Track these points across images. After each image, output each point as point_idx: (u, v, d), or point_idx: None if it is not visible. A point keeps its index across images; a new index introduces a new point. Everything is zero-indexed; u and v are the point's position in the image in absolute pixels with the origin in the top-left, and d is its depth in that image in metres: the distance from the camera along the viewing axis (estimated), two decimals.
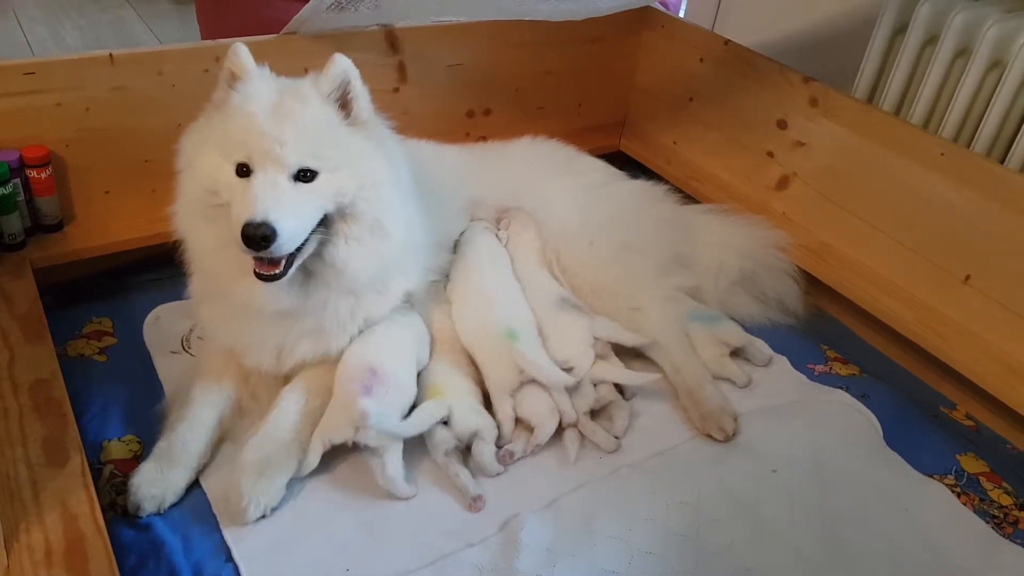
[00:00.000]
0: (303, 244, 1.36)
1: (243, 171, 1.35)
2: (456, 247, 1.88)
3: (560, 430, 1.57)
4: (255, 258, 1.33)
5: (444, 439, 1.47)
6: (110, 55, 1.76)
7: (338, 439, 1.42)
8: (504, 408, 1.55)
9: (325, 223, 1.40)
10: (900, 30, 2.08)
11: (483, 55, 2.25)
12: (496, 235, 1.95)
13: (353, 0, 1.76)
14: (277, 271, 1.34)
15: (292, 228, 1.30)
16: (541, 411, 1.55)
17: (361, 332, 1.55)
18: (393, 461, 1.42)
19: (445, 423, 1.48)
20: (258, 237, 1.26)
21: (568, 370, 1.61)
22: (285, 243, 1.30)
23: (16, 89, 1.70)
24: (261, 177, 1.32)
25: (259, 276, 1.34)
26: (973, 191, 1.77)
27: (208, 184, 1.38)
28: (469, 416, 1.50)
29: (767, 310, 2.00)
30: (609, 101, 2.59)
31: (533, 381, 1.57)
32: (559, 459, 1.56)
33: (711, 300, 1.96)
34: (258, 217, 1.27)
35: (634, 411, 1.67)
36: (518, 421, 1.57)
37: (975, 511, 1.55)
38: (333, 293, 1.47)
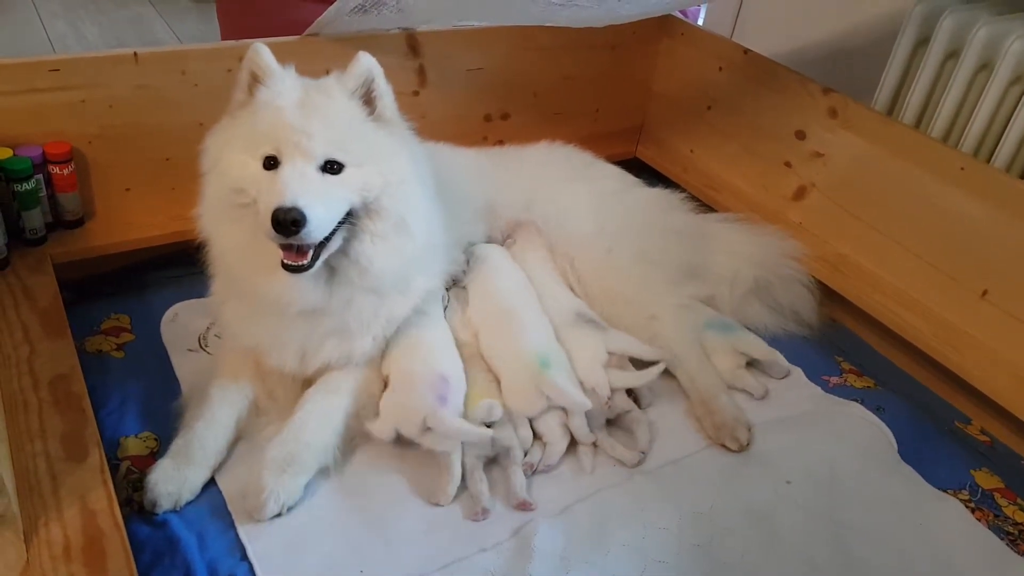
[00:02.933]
0: (330, 237, 1.37)
1: (270, 164, 1.36)
2: (469, 262, 1.87)
3: (574, 443, 1.58)
4: (283, 246, 1.34)
5: (485, 444, 1.48)
6: (134, 53, 1.77)
7: (405, 432, 1.47)
8: (524, 432, 1.55)
9: (350, 219, 1.41)
10: (922, 42, 2.08)
11: (502, 60, 2.25)
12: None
13: (376, 3, 1.77)
14: (304, 261, 1.34)
15: (321, 215, 1.31)
16: (554, 429, 1.55)
17: (388, 335, 1.56)
18: (457, 465, 1.46)
19: (488, 426, 1.50)
20: (288, 221, 1.27)
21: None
22: (315, 229, 1.30)
23: (41, 85, 1.71)
24: (289, 167, 1.34)
25: (286, 267, 1.34)
26: (992, 205, 1.76)
27: (234, 183, 1.39)
28: (508, 431, 1.52)
29: (781, 320, 2.00)
30: (627, 108, 2.59)
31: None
32: (572, 467, 1.56)
33: (725, 309, 1.95)
34: (288, 202, 1.28)
35: (648, 419, 1.66)
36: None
37: (989, 527, 1.54)
38: (357, 291, 1.48)
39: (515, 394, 1.58)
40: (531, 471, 1.51)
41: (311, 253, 1.35)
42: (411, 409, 1.46)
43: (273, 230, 1.28)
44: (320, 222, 1.31)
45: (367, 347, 1.54)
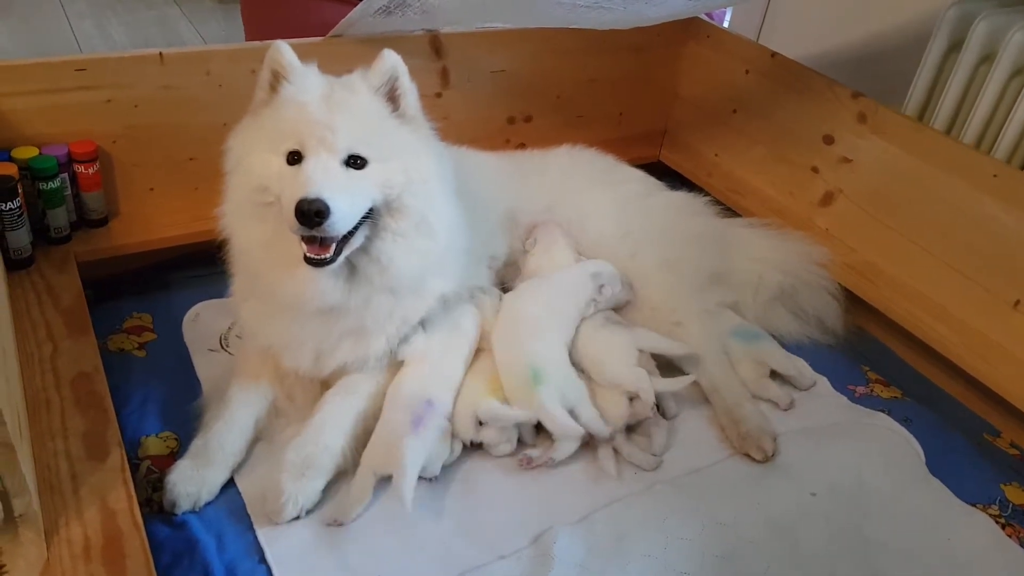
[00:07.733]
0: (352, 233, 1.37)
1: (294, 159, 1.36)
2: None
3: (591, 445, 1.56)
4: (307, 239, 1.33)
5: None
6: (160, 54, 1.78)
7: (388, 472, 1.40)
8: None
9: (372, 217, 1.41)
10: (955, 47, 2.04)
11: (526, 62, 2.24)
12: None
13: (401, 5, 1.76)
14: (327, 255, 1.34)
15: (345, 207, 1.31)
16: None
17: (401, 335, 1.55)
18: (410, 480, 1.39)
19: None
20: (313, 212, 1.26)
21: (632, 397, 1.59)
22: (338, 221, 1.30)
23: (67, 85, 1.72)
24: (313, 161, 1.34)
25: (309, 260, 1.34)
26: None
27: (258, 182, 1.39)
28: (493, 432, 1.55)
29: (806, 327, 1.96)
30: (651, 111, 2.57)
31: None
32: (592, 473, 1.54)
33: (749, 315, 1.93)
34: (312, 193, 1.27)
35: (671, 427, 1.65)
36: (541, 429, 1.57)
37: (1021, 544, 1.50)
38: (376, 291, 1.47)
39: (511, 395, 1.57)
40: (528, 464, 1.51)
41: (334, 247, 1.35)
42: (384, 442, 1.42)
43: (297, 221, 1.28)
44: (344, 215, 1.31)
45: (381, 348, 1.53)
